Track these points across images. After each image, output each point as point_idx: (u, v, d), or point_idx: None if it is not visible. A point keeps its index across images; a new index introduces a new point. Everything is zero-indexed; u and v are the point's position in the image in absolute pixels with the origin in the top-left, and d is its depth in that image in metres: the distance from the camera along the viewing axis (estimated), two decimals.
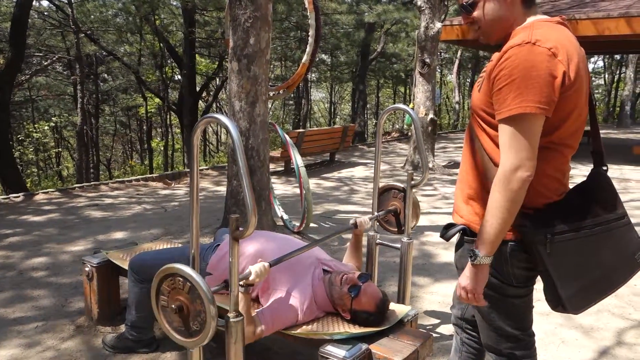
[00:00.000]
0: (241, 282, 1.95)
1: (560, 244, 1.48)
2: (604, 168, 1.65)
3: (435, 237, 4.77)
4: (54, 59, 16.60)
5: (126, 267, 2.75)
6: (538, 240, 1.48)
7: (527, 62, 1.39)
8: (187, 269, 1.64)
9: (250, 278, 1.93)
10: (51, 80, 18.68)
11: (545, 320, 3.19)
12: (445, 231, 1.73)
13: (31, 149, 17.53)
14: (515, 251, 1.56)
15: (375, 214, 2.81)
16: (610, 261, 1.58)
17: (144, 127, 21.30)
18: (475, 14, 1.59)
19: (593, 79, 31.14)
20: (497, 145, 1.50)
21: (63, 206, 6.29)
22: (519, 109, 1.39)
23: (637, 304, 3.49)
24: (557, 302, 1.55)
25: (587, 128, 1.72)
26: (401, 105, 2.87)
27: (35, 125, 17.58)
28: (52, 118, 18.12)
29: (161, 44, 14.77)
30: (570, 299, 1.53)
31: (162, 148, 18.70)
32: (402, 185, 2.81)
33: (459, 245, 1.74)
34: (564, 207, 1.52)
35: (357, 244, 2.70)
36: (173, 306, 1.68)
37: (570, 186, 1.60)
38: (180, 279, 1.66)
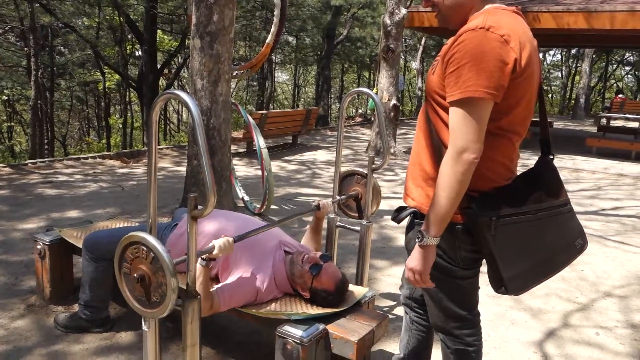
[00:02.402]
0: (203, 256, 1.94)
1: (504, 227, 1.53)
2: (551, 157, 1.70)
3: (400, 223, 4.83)
4: (7, 28, 15.85)
5: (80, 246, 2.69)
6: (483, 222, 1.52)
7: (479, 47, 1.41)
8: (151, 239, 1.62)
9: (214, 252, 1.91)
10: (3, 51, 17.83)
11: (495, 302, 3.30)
12: (397, 214, 1.76)
13: None
14: (462, 234, 1.60)
15: (337, 197, 2.83)
16: (552, 246, 1.64)
17: (102, 104, 20.65)
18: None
19: (551, 71, 32.00)
20: (449, 128, 1.53)
21: (14, 182, 6.07)
22: (468, 92, 1.41)
23: (583, 288, 3.65)
24: (499, 284, 1.60)
25: (537, 118, 1.77)
26: (364, 89, 2.88)
27: None
28: (4, 91, 17.34)
29: (121, 18, 14.28)
30: (511, 281, 1.58)
31: (121, 126, 18.22)
32: (364, 171, 2.83)
33: (409, 228, 1.77)
34: (509, 191, 1.57)
35: (317, 227, 2.71)
36: (135, 275, 1.65)
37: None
38: (144, 248, 1.64)
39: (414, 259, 1.58)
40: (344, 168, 2.91)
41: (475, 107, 1.42)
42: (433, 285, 1.63)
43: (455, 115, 1.45)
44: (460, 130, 1.44)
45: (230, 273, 2.26)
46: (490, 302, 3.28)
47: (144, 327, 1.76)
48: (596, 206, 6.13)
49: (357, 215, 2.92)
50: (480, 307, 1.85)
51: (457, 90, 1.44)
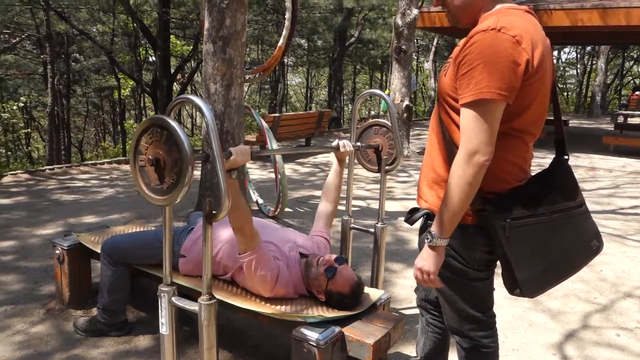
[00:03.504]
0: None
1: (518, 229, 1.52)
2: (565, 157, 1.69)
3: (414, 224, 4.82)
4: (23, 36, 16.10)
5: (98, 250, 2.72)
6: (497, 224, 1.51)
7: (491, 48, 1.40)
8: (166, 118, 1.63)
9: (231, 158, 1.85)
10: (20, 59, 18.11)
11: (513, 304, 3.27)
12: (410, 216, 1.76)
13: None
14: (476, 235, 1.60)
15: (358, 144, 2.74)
16: (567, 248, 1.62)
17: (117, 109, 20.88)
18: None
19: (566, 69, 31.65)
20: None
21: (32, 188, 6.16)
22: (480, 94, 1.41)
23: (603, 288, 3.60)
24: (514, 286, 1.59)
25: (552, 117, 1.75)
26: (377, 91, 2.87)
27: (4, 105, 17.07)
28: (22, 98, 17.59)
29: (134, 24, 14.44)
30: (526, 283, 1.56)
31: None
32: (386, 122, 2.74)
33: (422, 230, 1.77)
34: (524, 193, 1.56)
35: (338, 170, 2.66)
36: (150, 157, 1.66)
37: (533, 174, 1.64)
38: (158, 129, 1.64)
39: (423, 259, 1.58)
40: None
41: (487, 109, 1.42)
42: (442, 286, 1.63)
43: (467, 117, 1.44)
44: (472, 132, 1.43)
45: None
46: (507, 304, 3.25)
47: (162, 331, 1.77)
48: (614, 205, 6.05)
49: (376, 168, 2.81)
50: (497, 309, 1.84)
51: (469, 92, 1.43)
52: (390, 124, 2.70)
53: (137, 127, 1.71)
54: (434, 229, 1.54)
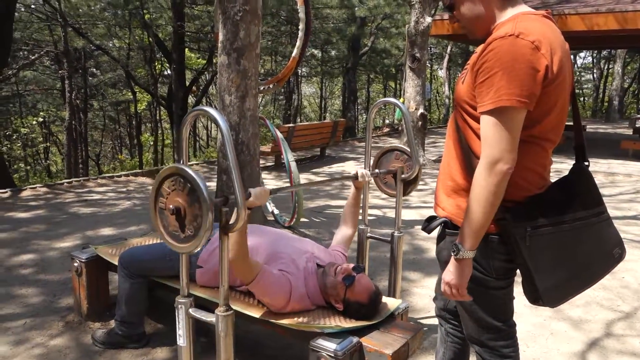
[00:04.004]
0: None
1: (539, 238, 1.49)
2: (586, 163, 1.66)
3: (431, 233, 4.78)
4: (42, 53, 16.41)
5: (116, 263, 2.73)
6: (518, 233, 1.49)
7: (510, 54, 1.38)
8: (189, 170, 1.62)
9: (250, 200, 1.86)
10: (39, 75, 18.47)
11: (534, 312, 3.21)
12: (427, 224, 1.74)
13: (19, 145, 17.34)
14: (496, 244, 1.57)
15: (376, 170, 2.77)
16: (589, 256, 1.59)
17: (134, 122, 21.14)
18: (456, 13, 1.62)
19: (582, 74, 31.38)
20: (479, 137, 1.50)
21: (51, 202, 6.24)
22: (500, 101, 1.39)
23: (625, 295, 3.53)
24: (535, 295, 1.56)
25: (570, 123, 1.73)
26: (391, 99, 2.87)
27: (23, 120, 17.38)
28: (40, 113, 17.92)
29: (150, 38, 14.64)
30: (547, 293, 1.54)
31: (152, 143, 18.57)
32: (405, 147, 2.77)
33: (440, 238, 1.75)
34: (544, 201, 1.53)
35: (356, 198, 2.68)
36: (171, 206, 1.65)
37: (553, 180, 1.61)
38: (182, 179, 1.64)
39: (450, 273, 1.55)
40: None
41: (508, 116, 1.40)
42: (471, 299, 1.60)
43: (488, 125, 1.42)
44: (493, 140, 1.41)
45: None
46: (528, 313, 3.20)
47: (179, 343, 1.77)
48: (635, 210, 5.94)
49: (394, 192, 2.82)
50: (518, 318, 1.81)
51: (489, 100, 1.41)
52: (409, 150, 2.73)
53: (160, 170, 1.71)
54: (459, 240, 1.51)
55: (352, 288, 2.18)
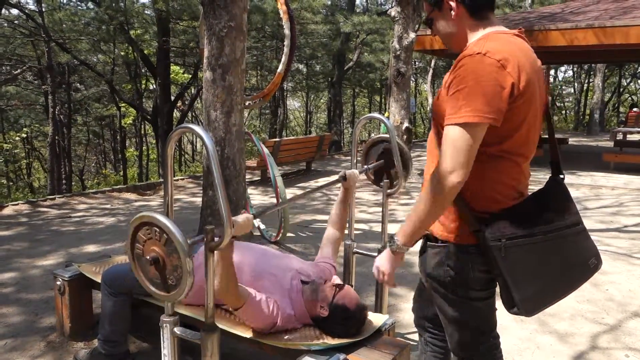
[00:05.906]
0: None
1: (514, 249, 1.52)
2: (561, 176, 1.71)
3: (414, 246, 4.79)
4: (24, 68, 16.28)
5: (99, 281, 2.69)
6: (493, 244, 1.52)
7: (477, 71, 1.43)
8: (164, 219, 1.53)
9: (232, 231, 1.80)
10: (22, 90, 18.29)
11: (520, 326, 3.22)
12: None
13: (1, 160, 17.11)
14: (475, 255, 1.60)
15: (365, 166, 2.77)
16: (564, 266, 1.62)
17: (118, 137, 21.00)
18: (434, 28, 1.69)
19: (564, 87, 31.86)
20: None
21: (33, 219, 6.15)
22: (466, 117, 1.43)
23: (610, 308, 3.56)
24: (511, 304, 1.59)
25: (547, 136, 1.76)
26: (376, 115, 2.89)
27: (5, 136, 17.17)
28: (23, 128, 17.72)
29: (135, 53, 14.61)
30: (523, 302, 1.56)
31: (137, 158, 18.43)
32: (385, 135, 2.78)
33: (422, 251, 1.77)
34: (519, 213, 1.56)
35: (345, 199, 2.66)
36: (148, 257, 1.58)
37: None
38: (157, 229, 1.56)
39: (382, 259, 1.70)
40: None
41: (470, 132, 1.43)
42: (396, 286, 1.73)
43: (449, 137, 1.46)
44: (453, 152, 1.44)
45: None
46: (514, 326, 3.21)
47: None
48: (619, 223, 6.01)
49: (386, 182, 2.81)
50: (504, 331, 1.81)
51: (453, 115, 1.45)
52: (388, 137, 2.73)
53: (131, 220, 1.61)
54: (397, 235, 1.61)
55: (341, 292, 2.20)
